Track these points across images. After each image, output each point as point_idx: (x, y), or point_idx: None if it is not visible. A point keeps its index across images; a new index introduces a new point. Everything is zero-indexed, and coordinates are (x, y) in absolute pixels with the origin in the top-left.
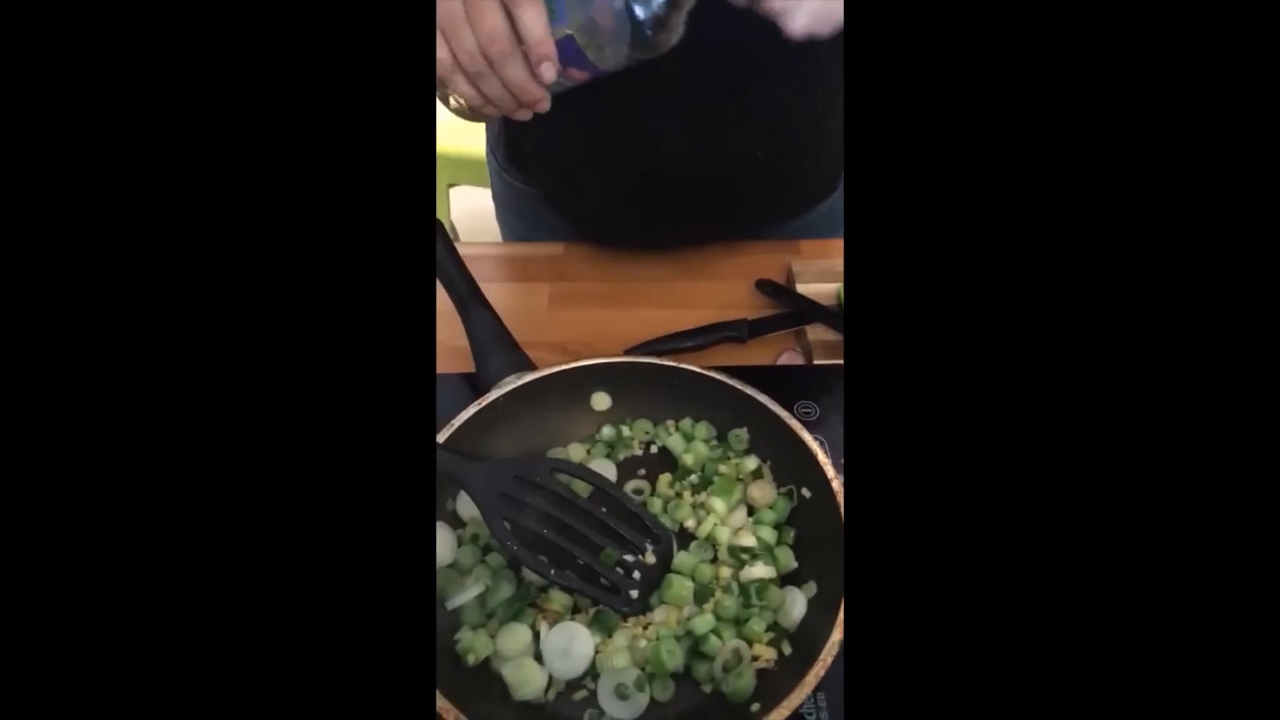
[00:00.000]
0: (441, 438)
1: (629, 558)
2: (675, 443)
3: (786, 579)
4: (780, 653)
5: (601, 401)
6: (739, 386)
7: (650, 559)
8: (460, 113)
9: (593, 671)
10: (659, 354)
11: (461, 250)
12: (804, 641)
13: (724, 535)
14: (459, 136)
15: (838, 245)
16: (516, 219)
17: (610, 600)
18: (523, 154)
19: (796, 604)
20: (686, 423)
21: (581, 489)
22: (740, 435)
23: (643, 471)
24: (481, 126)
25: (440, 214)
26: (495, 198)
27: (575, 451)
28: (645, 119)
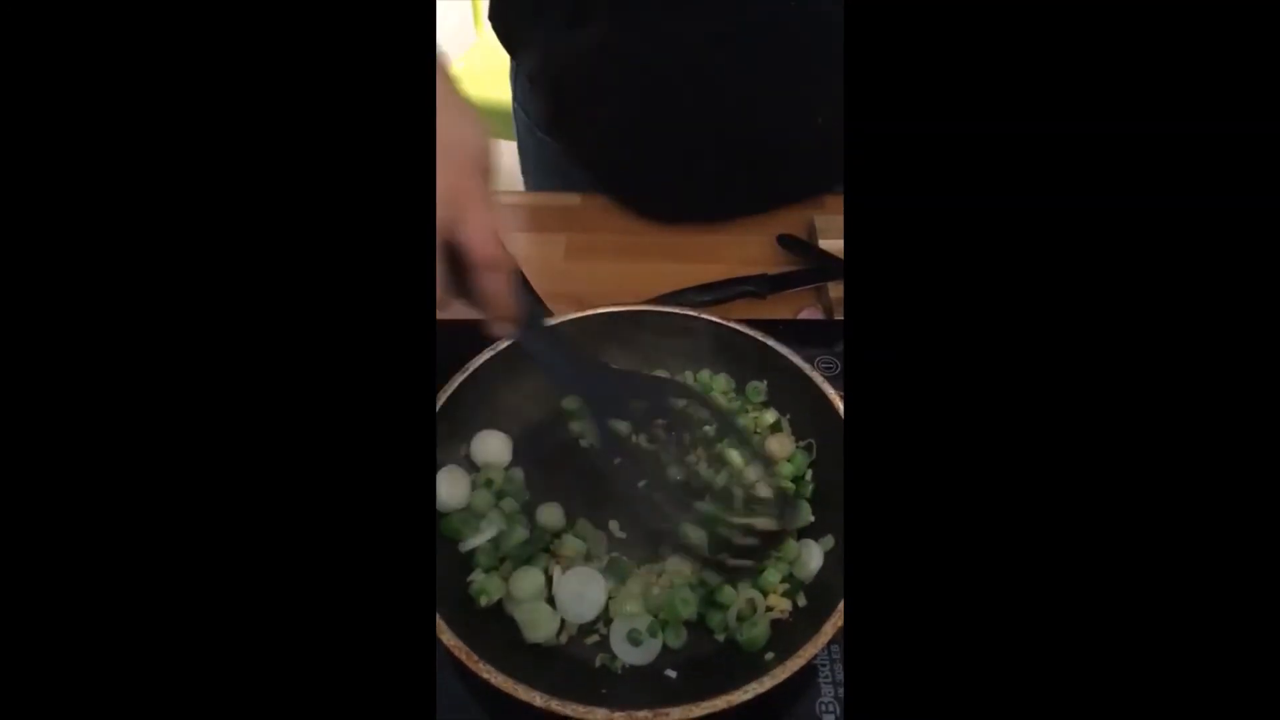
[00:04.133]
0: (457, 381)
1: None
2: None
3: (804, 532)
4: (795, 604)
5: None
6: (760, 338)
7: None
8: None
9: (605, 616)
10: (677, 307)
11: None
12: (820, 594)
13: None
14: (472, 89)
15: None
16: (545, 175)
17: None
18: (568, 123)
19: (813, 557)
20: (705, 374)
21: None
22: (759, 388)
23: (661, 421)
24: (501, 77)
25: None
26: (522, 152)
27: None
28: (704, 81)
